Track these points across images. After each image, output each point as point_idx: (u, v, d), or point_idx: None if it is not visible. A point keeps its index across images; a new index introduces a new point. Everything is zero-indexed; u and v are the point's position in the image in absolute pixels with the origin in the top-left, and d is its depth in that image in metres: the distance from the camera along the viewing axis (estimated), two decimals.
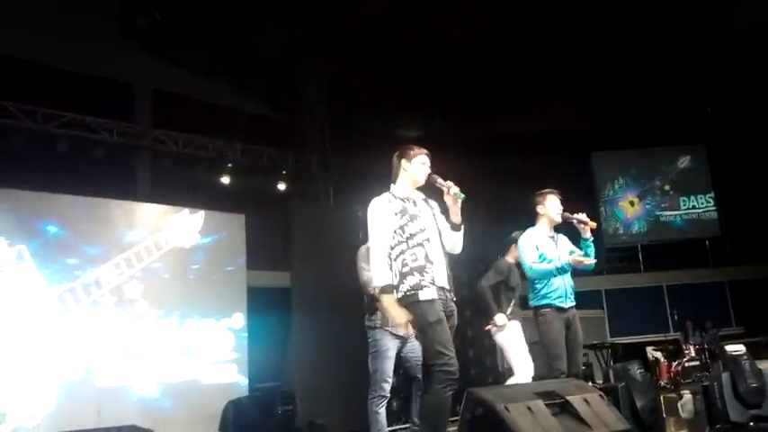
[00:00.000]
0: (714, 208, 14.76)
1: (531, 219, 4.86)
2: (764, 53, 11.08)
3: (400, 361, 4.58)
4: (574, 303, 4.52)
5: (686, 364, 9.22)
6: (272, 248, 8.81)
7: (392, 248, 3.62)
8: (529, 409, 3.01)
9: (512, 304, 5.50)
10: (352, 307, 4.63)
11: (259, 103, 9.85)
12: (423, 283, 3.53)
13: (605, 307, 13.07)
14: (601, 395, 3.28)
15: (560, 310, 4.42)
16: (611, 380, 3.68)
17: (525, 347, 5.34)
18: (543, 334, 4.42)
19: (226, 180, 8.70)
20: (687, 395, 4.20)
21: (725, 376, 3.95)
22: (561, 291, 4.46)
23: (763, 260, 13.92)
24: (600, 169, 15.13)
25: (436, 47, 10.20)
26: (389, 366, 4.38)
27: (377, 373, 4.34)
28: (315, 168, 9.20)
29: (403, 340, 4.57)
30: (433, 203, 3.82)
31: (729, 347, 4.50)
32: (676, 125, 13.90)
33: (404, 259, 3.57)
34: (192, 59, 8.83)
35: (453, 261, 3.73)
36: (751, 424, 3.84)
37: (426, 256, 3.59)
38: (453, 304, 3.67)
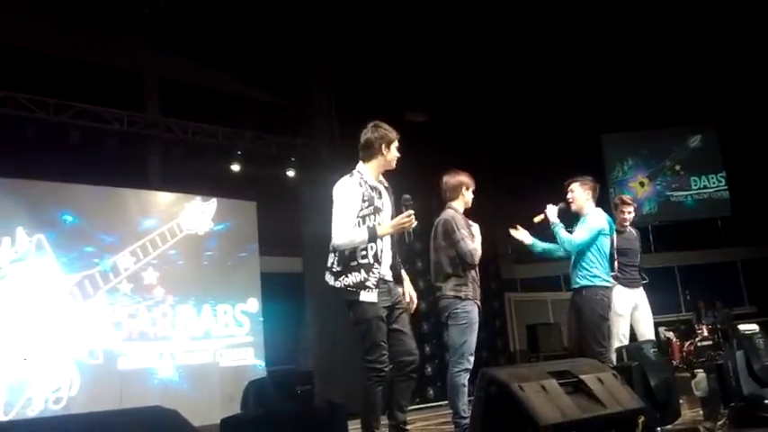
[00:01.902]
0: (725, 187, 14.67)
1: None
2: None
3: None
4: (577, 285, 4.78)
5: (699, 344, 9.23)
6: (283, 235, 8.88)
7: None
8: (543, 387, 3.02)
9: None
10: None
11: (268, 90, 9.86)
12: (367, 283, 3.54)
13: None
14: (614, 374, 3.29)
15: None
16: (625, 359, 3.70)
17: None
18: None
19: (236, 168, 8.75)
20: (701, 374, 4.22)
21: (739, 354, 3.96)
22: None
23: None
24: (609, 150, 15.07)
25: (444, 31, 10.17)
26: (475, 339, 4.29)
27: (465, 345, 4.21)
28: (324, 155, 9.23)
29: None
30: (391, 196, 3.78)
31: (742, 326, 4.53)
32: (686, 105, 13.80)
33: (354, 252, 3.55)
34: (199, 48, 8.85)
35: None
36: (765, 401, 3.86)
37: (376, 254, 3.58)
38: (399, 290, 3.70)
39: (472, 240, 4.31)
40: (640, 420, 3.06)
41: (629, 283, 5.48)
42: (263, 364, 7.92)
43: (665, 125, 14.63)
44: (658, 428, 3.40)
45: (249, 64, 9.38)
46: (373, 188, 3.69)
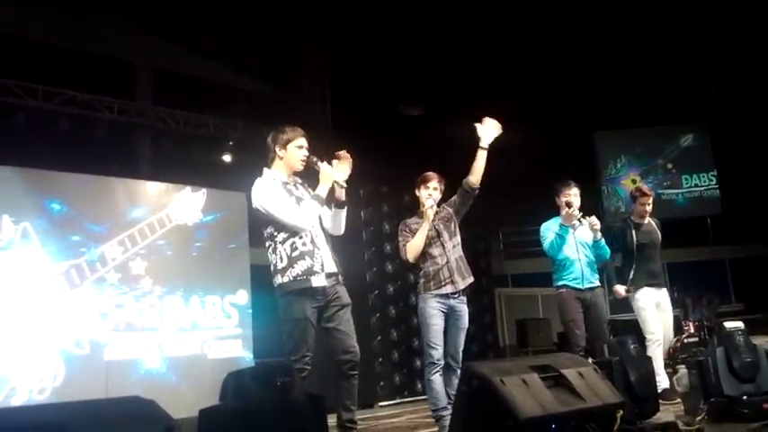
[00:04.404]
0: (716, 186, 14.77)
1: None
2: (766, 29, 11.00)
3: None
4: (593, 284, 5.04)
5: (685, 341, 9.28)
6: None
7: (278, 232, 3.58)
8: (524, 381, 3.05)
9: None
10: (352, 283, 4.69)
11: (260, 80, 9.83)
12: (314, 268, 3.54)
13: (605, 285, 13.15)
14: (595, 369, 3.32)
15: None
16: (607, 354, 3.73)
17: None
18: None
19: (227, 158, 8.71)
20: (683, 369, 4.27)
21: (719, 351, 4.01)
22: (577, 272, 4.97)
23: (764, 238, 13.96)
24: (602, 148, 15.12)
25: (439, 25, 10.16)
26: (435, 332, 4.30)
27: (424, 340, 4.32)
28: (317, 147, 9.19)
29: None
30: (309, 189, 3.76)
31: (728, 324, 4.59)
32: (679, 103, 13.86)
33: (293, 242, 3.54)
34: (192, 37, 8.82)
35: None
36: (744, 398, 3.90)
37: (312, 239, 3.59)
38: (342, 287, 3.72)
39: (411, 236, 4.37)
40: (618, 414, 3.09)
41: (650, 282, 5.48)
42: (252, 356, 7.89)
43: (658, 123, 14.70)
44: (637, 422, 3.42)
45: (242, 54, 9.36)
46: (285, 183, 3.68)
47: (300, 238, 3.56)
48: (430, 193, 4.39)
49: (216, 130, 8.71)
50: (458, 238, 4.45)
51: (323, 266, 3.58)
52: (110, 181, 7.39)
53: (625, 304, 5.85)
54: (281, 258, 3.55)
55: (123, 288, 7.17)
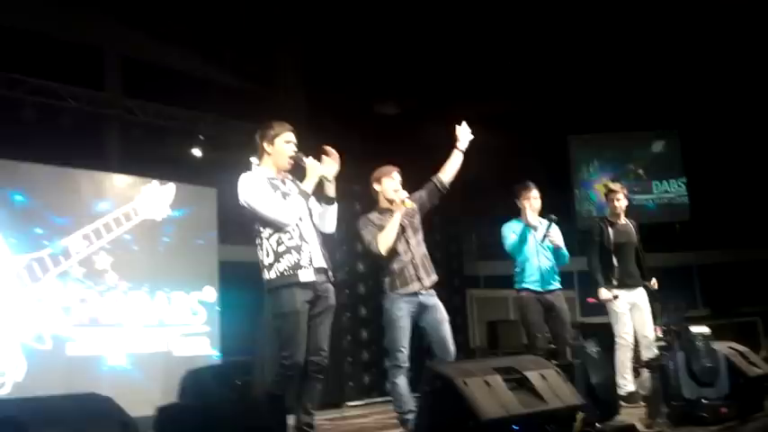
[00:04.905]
0: (685, 193, 15.01)
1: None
2: (738, 42, 11.19)
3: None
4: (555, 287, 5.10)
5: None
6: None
7: (264, 228, 3.54)
8: (486, 383, 3.07)
9: None
10: None
11: (233, 74, 9.71)
12: (301, 262, 3.50)
13: (576, 287, 13.28)
14: (557, 371, 3.36)
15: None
16: (570, 357, 3.75)
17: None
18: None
19: (198, 152, 8.60)
20: (645, 373, 4.31)
21: (680, 355, 4.06)
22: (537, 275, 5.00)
23: (730, 245, 14.22)
24: (575, 152, 15.28)
25: (415, 24, 10.14)
26: (401, 334, 4.18)
27: (387, 342, 4.23)
28: None
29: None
30: (298, 184, 3.72)
31: (693, 329, 4.66)
32: (652, 111, 14.05)
33: (279, 237, 3.50)
34: (164, 27, 8.67)
35: None
36: (703, 401, 3.95)
37: (301, 235, 3.55)
38: (330, 285, 3.68)
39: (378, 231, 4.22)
40: (579, 416, 3.10)
41: (626, 282, 5.46)
42: (219, 354, 7.81)
43: (631, 129, 14.89)
44: (597, 424, 3.44)
45: (216, 46, 9.23)
46: (272, 178, 3.64)
47: (287, 233, 3.52)
48: (397, 186, 4.30)
49: (187, 123, 8.58)
50: (421, 234, 4.37)
51: (311, 261, 3.54)
52: (75, 173, 7.25)
53: (596, 307, 5.87)
54: (268, 254, 3.51)
55: (87, 283, 7.05)
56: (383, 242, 4.16)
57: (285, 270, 3.48)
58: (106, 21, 8.44)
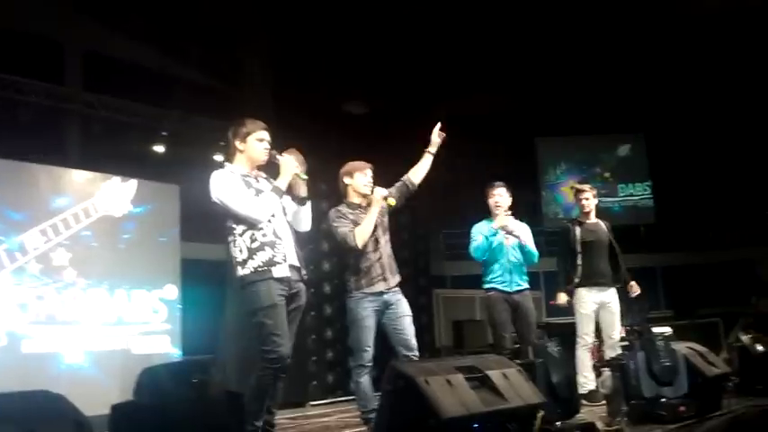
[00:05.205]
0: (650, 196, 15.27)
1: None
2: (704, 46, 11.42)
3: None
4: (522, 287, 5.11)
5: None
6: (207, 221, 8.62)
7: (237, 225, 3.50)
8: (448, 382, 3.06)
9: None
10: None
11: (198, 70, 9.58)
12: (275, 258, 3.47)
13: (542, 288, 13.41)
14: (519, 370, 3.36)
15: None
16: (531, 356, 3.76)
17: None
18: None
19: (160, 149, 8.46)
20: (606, 372, 4.34)
21: (640, 355, 4.11)
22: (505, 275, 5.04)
23: (693, 247, 14.51)
24: (543, 154, 15.43)
25: (384, 23, 10.13)
26: (366, 334, 4.11)
27: (352, 341, 4.19)
28: None
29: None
30: (271, 182, 3.67)
31: (656, 329, 4.71)
32: (619, 114, 14.26)
33: (252, 234, 3.46)
34: (128, 21, 8.51)
35: None
36: (662, 400, 4.00)
37: (275, 231, 3.52)
38: (302, 284, 3.63)
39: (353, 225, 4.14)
40: (539, 415, 3.10)
41: (595, 281, 5.47)
42: (180, 352, 7.68)
43: (598, 132, 15.08)
44: (557, 423, 3.45)
45: (181, 42, 9.09)
46: (245, 175, 3.60)
47: (260, 229, 3.48)
48: (369, 181, 4.23)
49: (150, 119, 8.44)
50: (388, 234, 4.33)
51: (285, 257, 3.51)
52: (33, 167, 7.07)
53: (562, 308, 5.90)
54: (241, 250, 3.47)
55: (44, 279, 6.88)
56: (360, 236, 4.08)
57: (259, 266, 3.44)
58: (68, 13, 8.25)
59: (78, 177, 7.42)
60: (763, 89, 12.33)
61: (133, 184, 7.63)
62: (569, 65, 12.01)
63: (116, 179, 7.54)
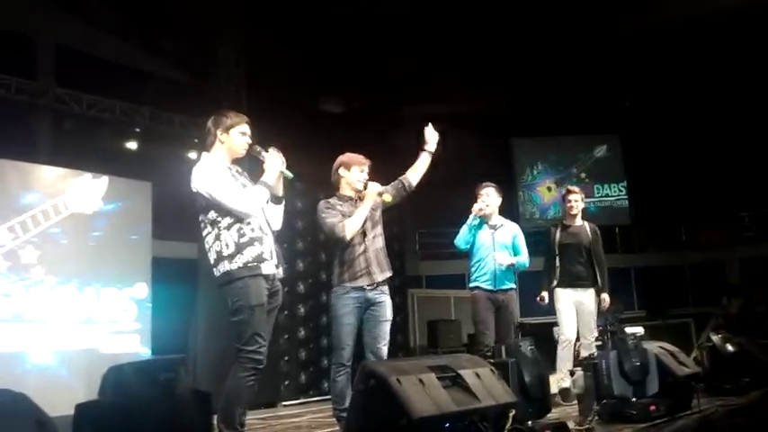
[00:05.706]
0: (626, 197, 15.39)
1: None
2: (678, 49, 11.55)
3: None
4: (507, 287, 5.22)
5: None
6: (179, 218, 8.52)
7: (222, 218, 3.41)
8: (420, 381, 3.04)
9: None
10: None
11: (171, 66, 9.45)
12: (264, 255, 3.41)
13: (518, 288, 13.46)
14: (492, 369, 3.36)
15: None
16: (504, 356, 3.75)
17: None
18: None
19: (133, 145, 8.33)
20: (579, 372, 4.35)
21: (612, 354, 4.14)
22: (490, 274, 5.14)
23: (667, 248, 14.69)
24: (519, 154, 15.49)
25: (361, 22, 10.09)
26: (346, 331, 4.06)
27: (333, 339, 4.16)
28: None
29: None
30: (249, 179, 3.62)
31: (630, 329, 4.76)
32: (594, 115, 14.37)
33: (240, 228, 3.38)
34: (100, 15, 8.36)
35: None
36: (633, 399, 4.02)
37: (261, 227, 3.47)
38: (279, 282, 3.58)
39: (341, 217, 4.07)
40: (510, 414, 3.10)
41: (573, 283, 5.59)
42: (150, 351, 7.57)
43: (574, 133, 15.18)
44: (529, 422, 3.45)
45: (154, 36, 8.96)
46: (229, 168, 3.53)
47: (249, 224, 3.39)
48: (365, 177, 4.16)
49: (122, 115, 8.29)
50: (380, 229, 4.23)
51: (271, 254, 3.45)
52: (1, 163, 6.91)
53: (537, 308, 5.99)
54: (227, 245, 3.36)
55: (12, 277, 6.75)
56: (350, 227, 4.00)
57: (249, 261, 3.35)
58: (38, 6, 8.08)
59: (48, 173, 7.29)
60: (737, 91, 12.54)
61: (104, 180, 7.51)
62: (546, 66, 12.07)
63: (87, 176, 7.42)
